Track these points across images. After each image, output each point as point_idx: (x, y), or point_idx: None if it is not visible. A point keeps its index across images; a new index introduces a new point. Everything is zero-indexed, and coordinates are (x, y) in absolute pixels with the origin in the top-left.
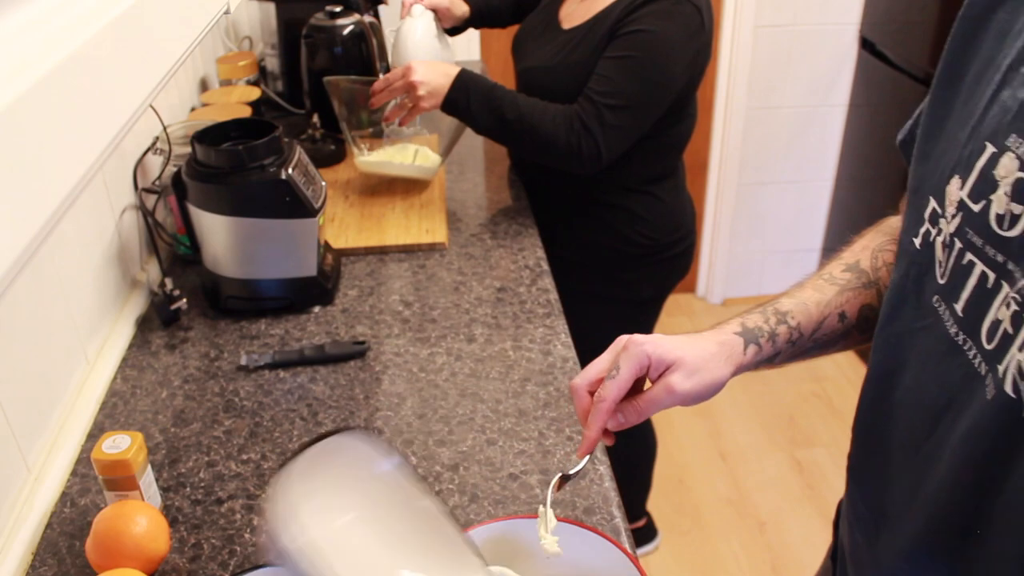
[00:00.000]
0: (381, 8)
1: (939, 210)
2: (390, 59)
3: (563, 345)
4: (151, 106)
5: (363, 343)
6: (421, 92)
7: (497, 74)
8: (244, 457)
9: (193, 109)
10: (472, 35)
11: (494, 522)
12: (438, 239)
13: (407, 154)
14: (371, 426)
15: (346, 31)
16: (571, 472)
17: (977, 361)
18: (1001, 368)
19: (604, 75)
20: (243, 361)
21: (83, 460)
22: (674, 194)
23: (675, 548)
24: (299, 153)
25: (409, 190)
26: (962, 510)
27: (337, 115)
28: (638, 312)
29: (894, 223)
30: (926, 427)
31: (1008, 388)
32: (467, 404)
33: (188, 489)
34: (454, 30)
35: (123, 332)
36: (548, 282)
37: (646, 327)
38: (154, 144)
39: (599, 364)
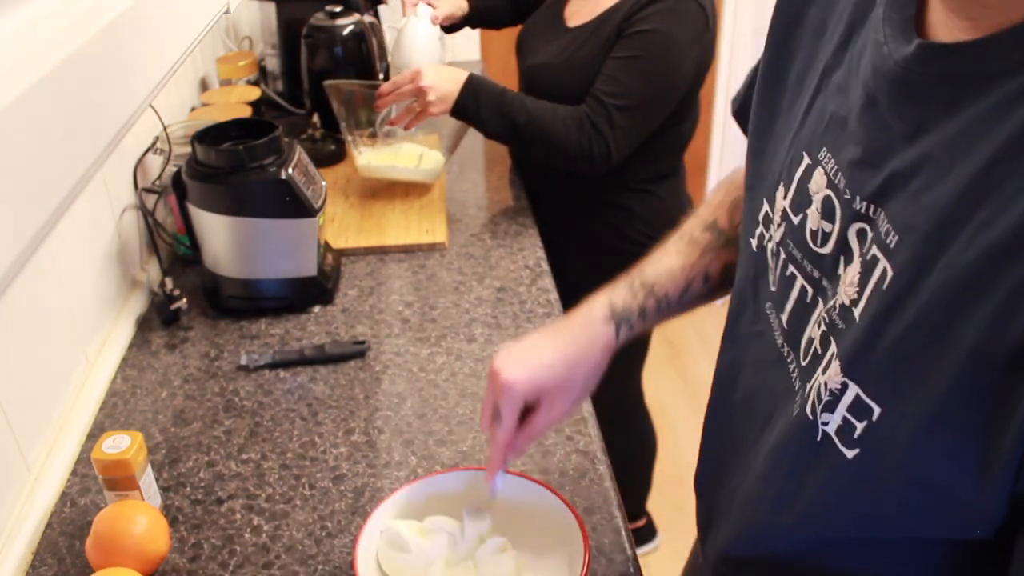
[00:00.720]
0: (381, 8)
1: (771, 214)
2: (391, 57)
3: None
4: (151, 106)
5: (363, 343)
6: (431, 97)
7: (497, 74)
8: (244, 457)
9: (193, 109)
10: (472, 35)
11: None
12: (438, 239)
13: (411, 158)
14: (371, 426)
15: (346, 31)
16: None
17: (795, 376)
18: (808, 387)
19: (612, 76)
20: (243, 361)
21: (83, 460)
22: (674, 193)
23: (675, 548)
24: (299, 153)
25: (409, 190)
26: (762, 521)
27: (337, 118)
28: None
29: (741, 174)
30: (752, 434)
31: (807, 409)
32: (467, 404)
33: (188, 489)
34: (450, 28)
35: (123, 332)
36: (548, 282)
37: None
38: (154, 144)
39: (486, 406)
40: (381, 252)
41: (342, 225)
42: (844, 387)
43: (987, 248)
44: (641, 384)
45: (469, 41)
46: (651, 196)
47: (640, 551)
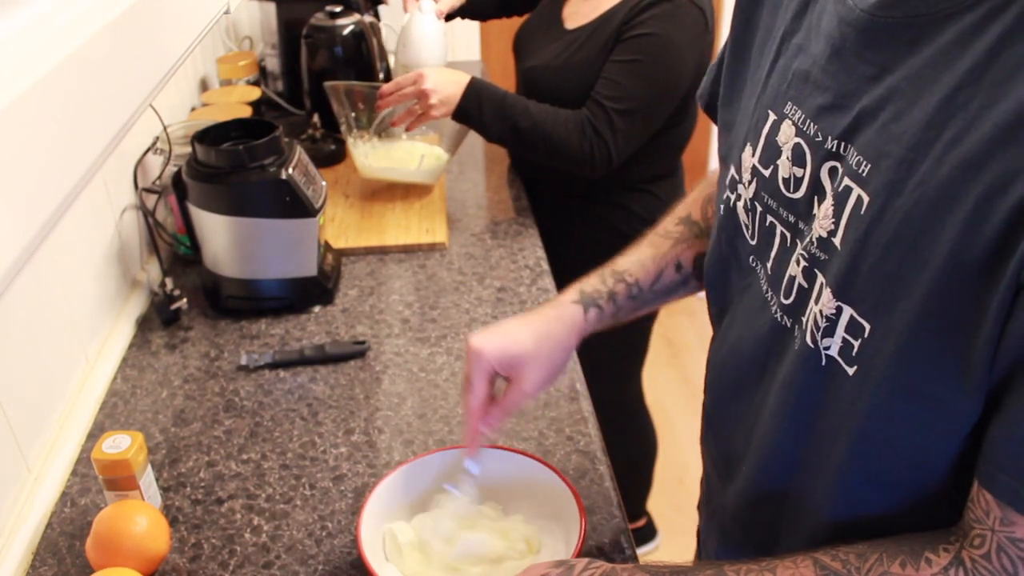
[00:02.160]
0: (381, 8)
1: (737, 176)
2: (396, 55)
3: None
4: (151, 106)
5: (363, 343)
6: (433, 100)
7: (496, 75)
8: (244, 457)
9: (193, 109)
10: (472, 35)
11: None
12: (438, 239)
13: (413, 159)
14: (371, 426)
15: (346, 31)
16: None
17: (779, 315)
18: (804, 320)
19: (612, 79)
20: (243, 361)
21: (83, 460)
22: (672, 193)
23: (675, 548)
24: (299, 153)
25: (409, 190)
26: (783, 453)
27: (337, 118)
28: None
29: (718, 173)
30: (753, 378)
31: (808, 339)
32: None
33: (188, 489)
34: (446, 18)
35: (123, 332)
36: (548, 282)
37: (645, 326)
38: (154, 144)
39: (463, 382)
40: (381, 252)
41: (342, 225)
42: (839, 311)
43: (957, 163)
44: (641, 384)
45: (469, 41)
46: (650, 196)
47: (640, 551)
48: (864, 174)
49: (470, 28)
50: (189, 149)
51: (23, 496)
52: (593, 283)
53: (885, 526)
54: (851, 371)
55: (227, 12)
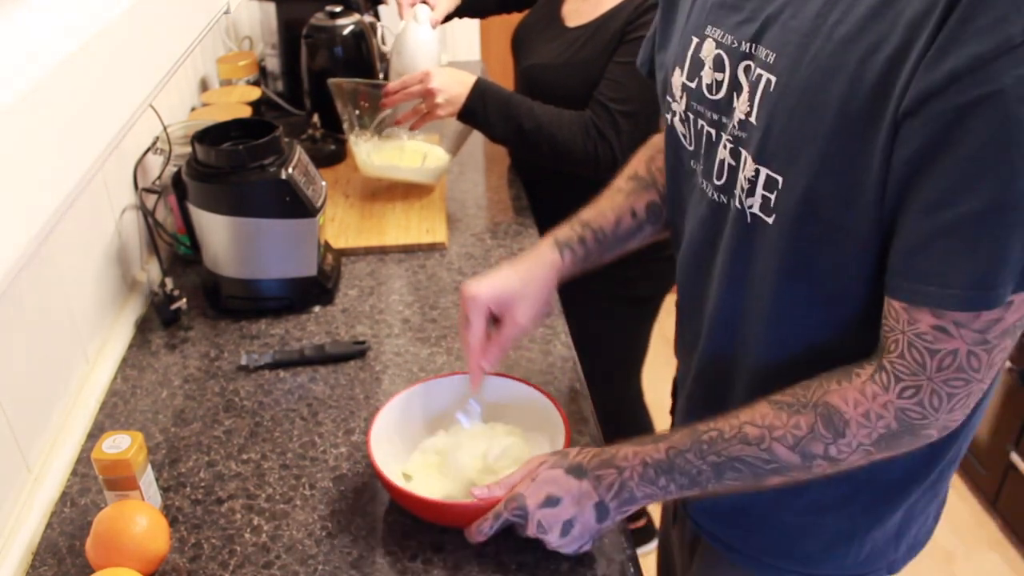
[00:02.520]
0: (381, 8)
1: (671, 98)
2: (390, 62)
3: (563, 345)
4: (151, 106)
5: (363, 343)
6: (439, 100)
7: (497, 74)
8: (244, 457)
9: (193, 109)
10: (472, 35)
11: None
12: (438, 239)
13: (415, 157)
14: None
15: (346, 31)
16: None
17: (715, 195)
18: (735, 192)
19: (616, 80)
20: (243, 361)
21: (83, 460)
22: None
23: None
24: (299, 153)
25: (409, 190)
26: (727, 309)
27: (340, 117)
28: (636, 311)
29: (660, 136)
30: (703, 257)
31: (736, 205)
32: None
33: (188, 489)
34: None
35: (123, 332)
36: None
37: (645, 326)
38: (154, 144)
39: (460, 321)
40: (381, 252)
41: (342, 225)
42: (757, 173)
43: (839, 39)
44: (641, 384)
45: (469, 41)
46: None
47: (640, 551)
48: (771, 62)
49: (470, 28)
50: (189, 149)
51: (23, 496)
52: (565, 231)
53: (817, 360)
54: (770, 220)
55: (227, 12)
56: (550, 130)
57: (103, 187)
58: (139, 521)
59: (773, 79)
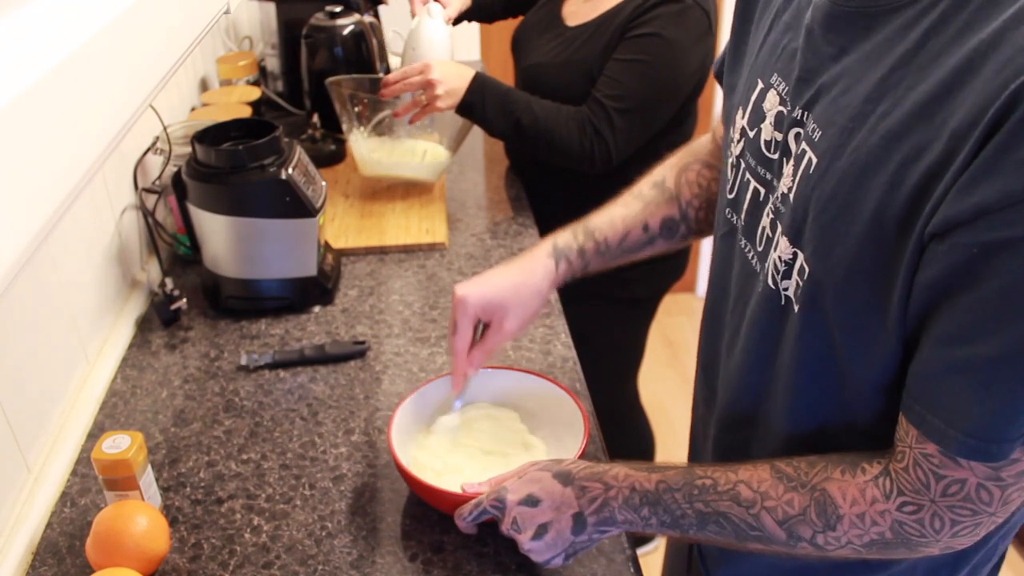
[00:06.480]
0: (381, 8)
1: (731, 134)
2: (403, 58)
3: (563, 345)
4: (151, 106)
5: (363, 343)
6: (439, 91)
7: (497, 74)
8: (244, 457)
9: (193, 109)
10: (472, 35)
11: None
12: (438, 239)
13: (415, 154)
14: (371, 426)
15: (346, 31)
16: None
17: (754, 261)
18: (766, 265)
19: (613, 78)
20: (243, 361)
21: (83, 460)
22: None
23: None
24: (299, 153)
25: (409, 190)
26: (750, 383)
27: (339, 116)
28: (634, 311)
29: (700, 143)
30: (735, 317)
31: (769, 282)
32: None
33: (188, 489)
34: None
35: (123, 332)
36: None
37: (642, 326)
38: (154, 144)
39: (450, 325)
40: (381, 252)
41: (342, 225)
42: (795, 256)
43: (884, 133)
44: (637, 387)
45: (469, 41)
46: None
47: (640, 551)
48: (816, 139)
49: (470, 28)
50: (189, 149)
51: (23, 496)
52: (566, 238)
53: (831, 446)
54: (796, 308)
55: (227, 12)
56: (547, 125)
57: (103, 187)
58: (139, 521)
59: (815, 160)
